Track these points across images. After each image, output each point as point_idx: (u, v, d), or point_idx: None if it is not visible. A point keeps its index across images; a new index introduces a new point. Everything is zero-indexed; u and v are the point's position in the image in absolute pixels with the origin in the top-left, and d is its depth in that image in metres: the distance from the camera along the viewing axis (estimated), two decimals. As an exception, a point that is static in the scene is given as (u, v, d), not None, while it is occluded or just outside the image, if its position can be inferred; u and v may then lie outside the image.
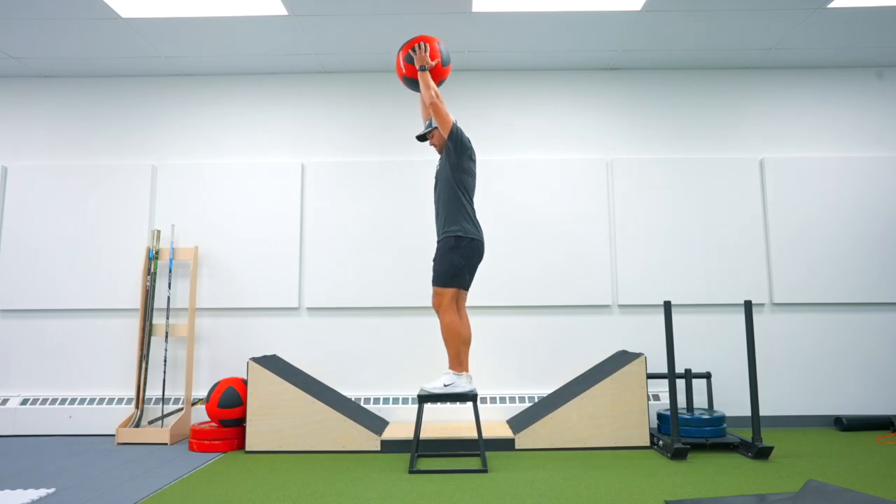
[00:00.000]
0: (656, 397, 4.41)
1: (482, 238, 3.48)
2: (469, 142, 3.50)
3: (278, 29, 4.22)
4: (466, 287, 3.48)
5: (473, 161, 3.54)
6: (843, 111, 4.84)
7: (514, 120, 4.82)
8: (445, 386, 3.34)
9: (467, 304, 4.54)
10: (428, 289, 3.68)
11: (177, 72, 4.84)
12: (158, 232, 4.57)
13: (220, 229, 4.66)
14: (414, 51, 3.43)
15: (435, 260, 3.47)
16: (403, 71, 3.53)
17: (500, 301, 4.56)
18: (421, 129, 3.71)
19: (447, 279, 3.40)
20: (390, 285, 4.58)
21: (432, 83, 3.42)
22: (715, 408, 4.45)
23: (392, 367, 4.54)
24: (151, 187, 4.71)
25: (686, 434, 3.79)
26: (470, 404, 4.33)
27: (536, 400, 4.39)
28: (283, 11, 4.00)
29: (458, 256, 3.38)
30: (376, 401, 4.45)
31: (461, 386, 3.36)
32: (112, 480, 3.16)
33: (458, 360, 3.40)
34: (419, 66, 3.42)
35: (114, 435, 4.34)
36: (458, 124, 3.50)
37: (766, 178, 4.69)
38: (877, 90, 4.86)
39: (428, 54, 3.41)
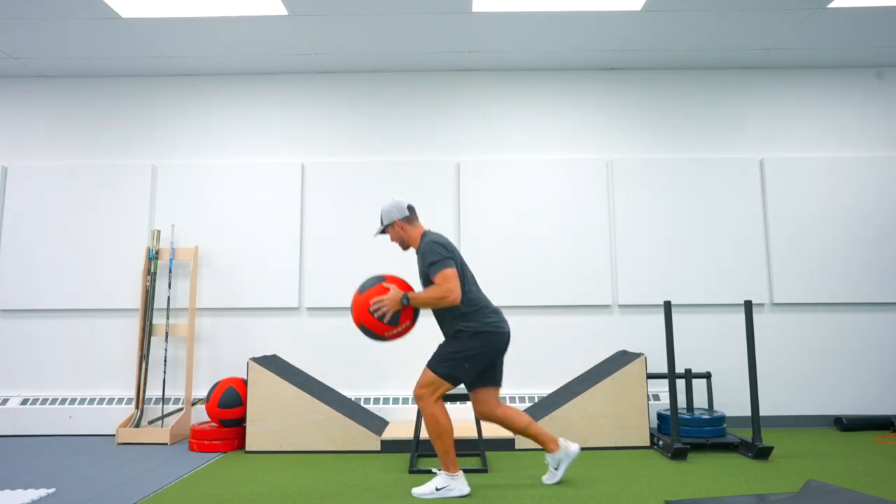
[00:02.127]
0: (656, 397, 4.41)
1: None
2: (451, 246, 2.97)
3: (278, 29, 4.22)
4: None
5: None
6: (843, 111, 4.84)
7: (514, 120, 4.82)
8: (438, 490, 2.84)
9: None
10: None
11: (177, 72, 4.84)
12: (158, 232, 4.57)
13: (220, 229, 4.66)
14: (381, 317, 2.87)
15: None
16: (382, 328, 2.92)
17: (500, 301, 4.56)
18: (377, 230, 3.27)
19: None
20: (390, 285, 4.58)
21: (429, 296, 2.85)
22: (715, 408, 4.45)
23: (392, 367, 4.54)
24: (151, 187, 4.71)
25: (686, 434, 3.79)
26: (470, 404, 4.33)
27: (536, 400, 4.39)
28: (283, 11, 4.00)
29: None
30: (376, 401, 4.46)
31: (457, 490, 2.85)
32: (112, 480, 3.16)
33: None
34: (403, 302, 2.86)
35: (114, 435, 4.35)
36: (449, 258, 2.90)
37: (766, 178, 4.69)
38: (877, 90, 4.86)
39: (388, 314, 2.86)
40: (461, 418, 4.38)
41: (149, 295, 4.45)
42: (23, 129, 4.82)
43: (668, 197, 4.68)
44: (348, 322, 4.60)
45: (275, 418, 3.84)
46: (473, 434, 3.86)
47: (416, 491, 2.87)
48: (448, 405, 4.39)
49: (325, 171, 4.72)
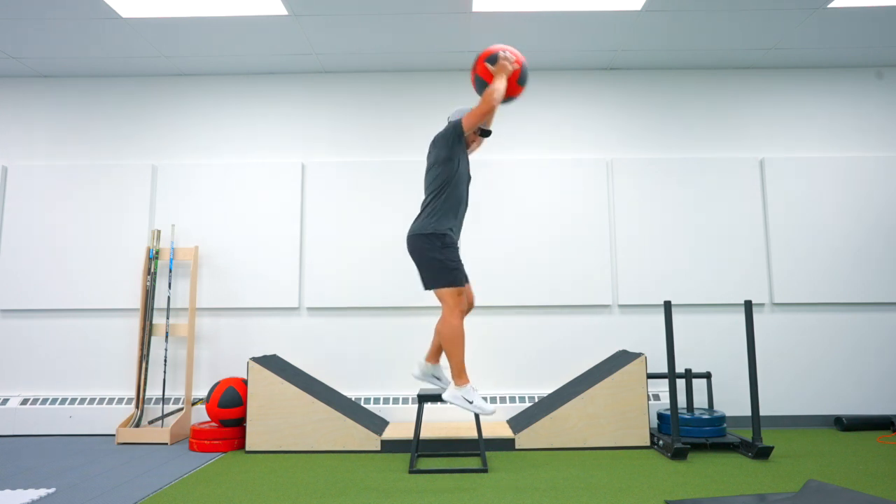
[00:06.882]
0: (656, 397, 4.41)
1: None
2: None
3: (278, 29, 4.22)
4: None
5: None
6: (843, 111, 4.84)
7: (514, 120, 4.82)
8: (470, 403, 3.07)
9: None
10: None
11: (177, 72, 4.84)
12: (158, 232, 4.57)
13: (220, 229, 4.66)
14: (501, 56, 3.26)
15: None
16: (477, 70, 3.37)
17: (500, 301, 4.56)
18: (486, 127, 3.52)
19: None
20: (390, 285, 4.58)
21: (501, 90, 3.24)
22: (715, 408, 4.45)
23: (392, 367, 4.54)
24: (151, 187, 4.71)
25: (686, 434, 3.79)
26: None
27: (536, 400, 4.39)
28: (283, 11, 4.00)
29: None
30: (376, 401, 4.45)
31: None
32: (112, 480, 3.16)
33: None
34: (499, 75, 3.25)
35: (114, 435, 4.34)
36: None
37: (766, 178, 4.69)
38: (877, 90, 4.86)
39: (511, 64, 3.24)
40: (461, 418, 4.38)
41: (149, 295, 4.45)
42: (23, 129, 4.82)
43: (669, 197, 4.68)
44: (348, 322, 4.60)
45: (275, 418, 3.84)
46: (473, 434, 3.86)
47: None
48: (447, 405, 4.39)
49: (325, 171, 4.72)
